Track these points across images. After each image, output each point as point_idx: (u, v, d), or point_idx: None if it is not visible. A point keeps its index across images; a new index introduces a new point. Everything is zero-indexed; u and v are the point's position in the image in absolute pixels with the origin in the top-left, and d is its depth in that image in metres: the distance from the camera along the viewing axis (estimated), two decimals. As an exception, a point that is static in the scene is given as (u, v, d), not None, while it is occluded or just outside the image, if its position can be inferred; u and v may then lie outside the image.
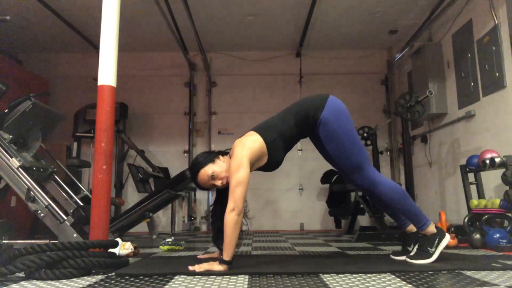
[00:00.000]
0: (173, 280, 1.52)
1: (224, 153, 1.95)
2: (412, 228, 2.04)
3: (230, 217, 1.68)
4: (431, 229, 1.94)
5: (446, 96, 4.22)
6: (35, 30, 4.88)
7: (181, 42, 5.04)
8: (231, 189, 1.73)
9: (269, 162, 1.90)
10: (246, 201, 1.85)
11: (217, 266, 1.68)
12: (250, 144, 1.82)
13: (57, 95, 5.42)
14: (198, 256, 2.15)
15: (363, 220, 4.97)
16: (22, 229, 4.00)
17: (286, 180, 5.32)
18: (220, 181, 1.83)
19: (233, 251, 1.69)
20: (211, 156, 1.89)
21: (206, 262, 1.76)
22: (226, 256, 1.68)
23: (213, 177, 1.83)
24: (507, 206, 2.65)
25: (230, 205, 1.69)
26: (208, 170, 1.84)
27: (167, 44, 5.21)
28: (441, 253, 1.91)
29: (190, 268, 1.69)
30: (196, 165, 1.88)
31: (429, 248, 1.89)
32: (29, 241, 2.56)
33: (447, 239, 1.92)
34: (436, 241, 1.90)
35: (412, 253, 1.97)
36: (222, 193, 1.92)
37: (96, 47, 5.11)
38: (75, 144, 4.88)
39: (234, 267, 1.73)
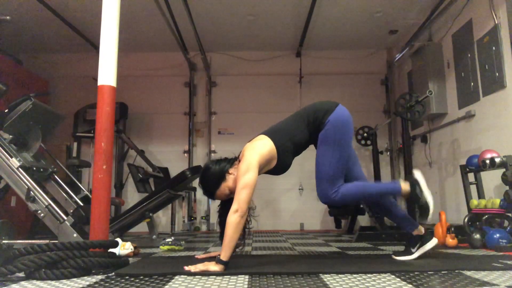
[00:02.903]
0: (173, 280, 1.52)
1: (233, 160, 1.94)
2: (419, 230, 2.05)
3: (233, 218, 1.68)
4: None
5: (446, 96, 4.22)
6: (35, 30, 4.88)
7: (181, 42, 5.04)
8: (237, 191, 1.73)
9: (278, 166, 1.91)
10: (254, 204, 1.87)
11: (213, 266, 1.67)
12: (260, 147, 1.84)
13: (57, 95, 5.42)
14: (196, 256, 2.15)
15: (363, 220, 4.97)
16: (22, 229, 4.00)
17: (286, 180, 5.31)
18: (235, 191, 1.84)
19: (231, 252, 1.69)
20: (222, 172, 1.87)
21: (203, 262, 1.76)
22: (224, 256, 1.68)
23: (230, 193, 1.87)
24: (507, 206, 2.65)
25: (234, 206, 1.70)
26: (224, 189, 1.88)
27: (167, 44, 5.21)
28: (440, 253, 1.93)
29: (186, 268, 1.69)
30: (210, 187, 1.89)
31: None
32: (29, 241, 2.56)
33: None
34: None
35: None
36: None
37: (96, 47, 5.11)
38: (75, 144, 4.88)
39: (234, 267, 1.73)
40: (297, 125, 1.94)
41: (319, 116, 1.92)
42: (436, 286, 1.39)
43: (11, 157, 2.62)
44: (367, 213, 4.07)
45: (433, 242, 2.01)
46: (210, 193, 1.91)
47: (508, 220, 2.66)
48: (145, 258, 2.27)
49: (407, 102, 3.64)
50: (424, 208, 1.92)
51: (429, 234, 2.05)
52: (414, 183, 1.94)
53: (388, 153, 5.54)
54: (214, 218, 5.27)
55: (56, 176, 3.11)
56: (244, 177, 1.73)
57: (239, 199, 1.70)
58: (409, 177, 1.99)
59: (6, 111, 2.83)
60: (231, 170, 1.89)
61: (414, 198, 1.93)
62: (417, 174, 1.96)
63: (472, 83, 3.69)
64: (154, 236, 3.12)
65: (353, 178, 2.10)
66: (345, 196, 1.91)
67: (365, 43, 5.44)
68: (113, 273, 1.68)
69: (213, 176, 1.88)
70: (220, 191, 1.88)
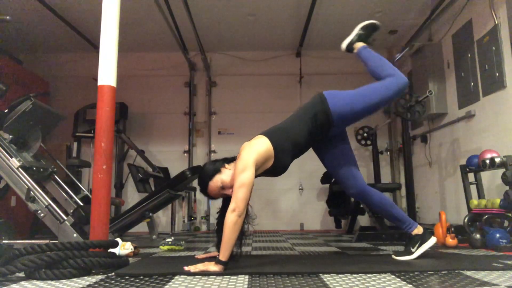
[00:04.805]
0: (173, 280, 1.52)
1: (230, 159, 1.94)
2: (418, 230, 2.06)
3: (230, 218, 1.67)
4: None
5: (446, 96, 4.22)
6: (35, 30, 4.88)
7: (181, 42, 5.04)
8: (234, 190, 1.73)
9: (275, 166, 1.89)
10: (250, 206, 1.87)
11: (212, 267, 1.67)
12: (257, 146, 1.83)
13: (57, 95, 5.42)
14: (196, 256, 2.15)
15: (363, 220, 4.97)
16: (22, 229, 4.00)
17: (286, 180, 5.31)
18: (230, 189, 1.82)
19: (229, 252, 1.69)
20: (217, 166, 1.89)
21: (203, 262, 1.77)
22: (223, 256, 1.68)
23: (222, 187, 1.85)
24: (507, 206, 2.65)
25: (231, 205, 1.69)
26: (217, 181, 1.85)
27: (167, 44, 5.21)
28: (440, 253, 1.93)
29: (185, 268, 1.69)
30: (204, 178, 1.89)
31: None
32: (29, 241, 2.56)
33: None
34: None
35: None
36: (228, 201, 1.92)
37: (96, 47, 5.11)
38: (75, 144, 4.88)
39: (234, 267, 1.74)
40: (294, 125, 1.94)
41: (318, 112, 1.93)
42: (436, 286, 1.39)
43: (11, 157, 2.62)
44: (367, 213, 4.07)
45: (432, 241, 2.02)
46: (204, 185, 1.89)
47: (508, 220, 2.66)
48: (145, 258, 2.27)
49: (407, 102, 3.65)
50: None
51: (428, 233, 2.06)
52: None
53: (388, 153, 5.53)
54: (214, 218, 5.23)
55: (56, 176, 3.11)
56: (241, 175, 1.72)
57: (236, 198, 1.69)
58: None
59: (6, 111, 2.83)
60: (227, 166, 1.89)
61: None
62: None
63: (472, 83, 3.69)
64: (154, 236, 3.12)
65: (350, 179, 2.09)
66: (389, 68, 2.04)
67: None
68: (113, 273, 1.68)
69: (208, 169, 1.89)
70: (213, 182, 1.85)
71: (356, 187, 2.08)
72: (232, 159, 1.94)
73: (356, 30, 2.32)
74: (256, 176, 1.98)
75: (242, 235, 1.92)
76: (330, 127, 1.96)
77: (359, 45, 2.26)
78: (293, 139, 1.91)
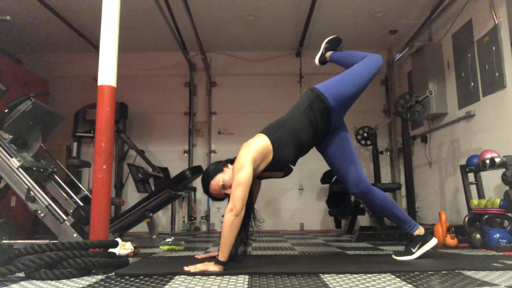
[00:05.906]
0: (173, 280, 1.52)
1: (233, 160, 1.93)
2: (419, 231, 2.06)
3: (227, 218, 1.67)
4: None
5: (446, 96, 4.22)
6: (35, 30, 4.88)
7: (181, 42, 5.04)
8: (231, 190, 1.73)
9: (275, 160, 1.86)
10: (256, 209, 1.87)
11: (212, 267, 1.68)
12: (254, 144, 1.82)
13: (57, 95, 5.42)
14: (196, 256, 2.15)
15: (363, 220, 4.97)
16: (22, 229, 4.00)
17: (286, 180, 5.27)
18: (230, 189, 1.82)
19: (228, 252, 1.69)
20: (220, 166, 1.90)
21: (203, 262, 1.77)
22: (222, 256, 1.68)
23: (223, 186, 1.85)
24: (507, 206, 2.65)
25: (229, 205, 1.69)
26: (218, 180, 1.86)
27: (167, 44, 5.21)
28: (440, 253, 1.94)
29: (185, 268, 1.68)
30: (206, 177, 1.89)
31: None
32: (29, 241, 2.56)
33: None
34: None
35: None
36: None
37: (96, 47, 5.11)
38: (75, 144, 4.88)
39: (234, 267, 1.74)
40: (291, 118, 1.93)
41: (318, 104, 1.94)
42: (436, 286, 1.39)
43: (11, 157, 2.62)
44: (367, 213, 4.07)
45: (433, 242, 2.02)
46: (206, 184, 1.90)
47: (508, 220, 2.66)
48: (145, 258, 2.27)
49: (407, 102, 3.65)
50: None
51: (429, 234, 2.06)
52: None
53: (388, 153, 5.53)
54: (214, 218, 5.27)
55: (56, 176, 3.10)
56: (238, 175, 1.72)
57: (233, 197, 1.69)
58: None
59: (6, 111, 2.83)
60: (230, 165, 1.91)
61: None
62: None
63: (472, 83, 3.69)
64: (154, 236, 3.12)
65: (352, 177, 2.07)
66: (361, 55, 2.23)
67: (365, 43, 5.43)
68: (113, 273, 1.68)
69: (211, 169, 1.91)
70: (215, 181, 1.86)
71: (359, 186, 2.04)
72: (235, 160, 1.94)
73: (323, 45, 2.63)
74: (262, 177, 1.98)
75: (247, 236, 1.93)
76: (330, 112, 1.96)
77: (329, 53, 2.54)
78: (292, 131, 1.90)
